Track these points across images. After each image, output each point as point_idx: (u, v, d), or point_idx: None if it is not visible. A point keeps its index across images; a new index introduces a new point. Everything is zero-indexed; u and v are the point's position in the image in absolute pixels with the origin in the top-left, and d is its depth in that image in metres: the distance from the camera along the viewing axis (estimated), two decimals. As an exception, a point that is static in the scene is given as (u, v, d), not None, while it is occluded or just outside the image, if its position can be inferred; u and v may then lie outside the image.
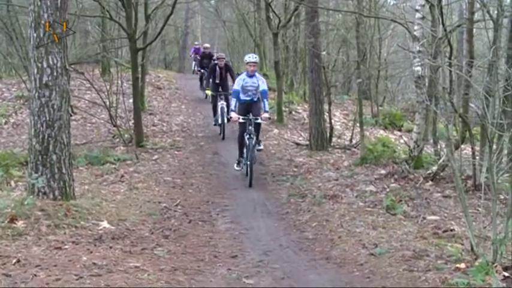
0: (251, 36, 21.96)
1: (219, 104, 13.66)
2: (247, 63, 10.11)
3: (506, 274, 4.80)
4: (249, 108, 10.09)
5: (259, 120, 9.99)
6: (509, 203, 5.40)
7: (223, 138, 13.39)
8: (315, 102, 12.90)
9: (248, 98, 10.14)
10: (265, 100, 9.99)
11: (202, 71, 19.04)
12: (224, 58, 14.54)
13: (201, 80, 19.43)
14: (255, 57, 10.36)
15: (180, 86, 21.85)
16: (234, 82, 11.01)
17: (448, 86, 6.88)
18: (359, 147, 12.01)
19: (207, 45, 21.44)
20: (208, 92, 14.18)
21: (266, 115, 9.99)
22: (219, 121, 13.56)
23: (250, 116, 9.90)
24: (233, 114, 9.90)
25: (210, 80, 14.23)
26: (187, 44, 32.71)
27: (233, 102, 9.93)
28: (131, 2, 12.79)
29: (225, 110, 13.02)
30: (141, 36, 14.29)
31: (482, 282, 4.70)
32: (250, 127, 9.82)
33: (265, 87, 10.14)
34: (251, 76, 10.07)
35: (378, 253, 5.75)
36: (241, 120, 9.94)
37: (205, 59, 19.27)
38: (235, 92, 9.99)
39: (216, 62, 14.36)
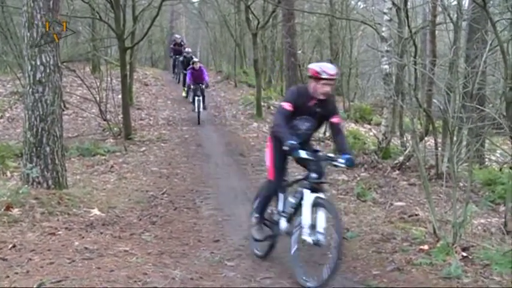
0: (232, 37, 21.84)
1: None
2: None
3: (465, 254, 4.90)
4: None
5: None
6: (467, 190, 5.50)
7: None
8: (291, 98, 12.88)
9: None
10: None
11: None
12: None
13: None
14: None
15: (166, 82, 21.68)
16: None
17: (413, 83, 6.94)
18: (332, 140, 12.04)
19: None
20: None
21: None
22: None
23: None
24: None
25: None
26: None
27: None
28: (119, 3, 12.67)
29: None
30: (129, 36, 14.18)
31: (443, 261, 4.79)
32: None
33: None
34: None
35: (349, 237, 5.80)
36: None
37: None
38: None
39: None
